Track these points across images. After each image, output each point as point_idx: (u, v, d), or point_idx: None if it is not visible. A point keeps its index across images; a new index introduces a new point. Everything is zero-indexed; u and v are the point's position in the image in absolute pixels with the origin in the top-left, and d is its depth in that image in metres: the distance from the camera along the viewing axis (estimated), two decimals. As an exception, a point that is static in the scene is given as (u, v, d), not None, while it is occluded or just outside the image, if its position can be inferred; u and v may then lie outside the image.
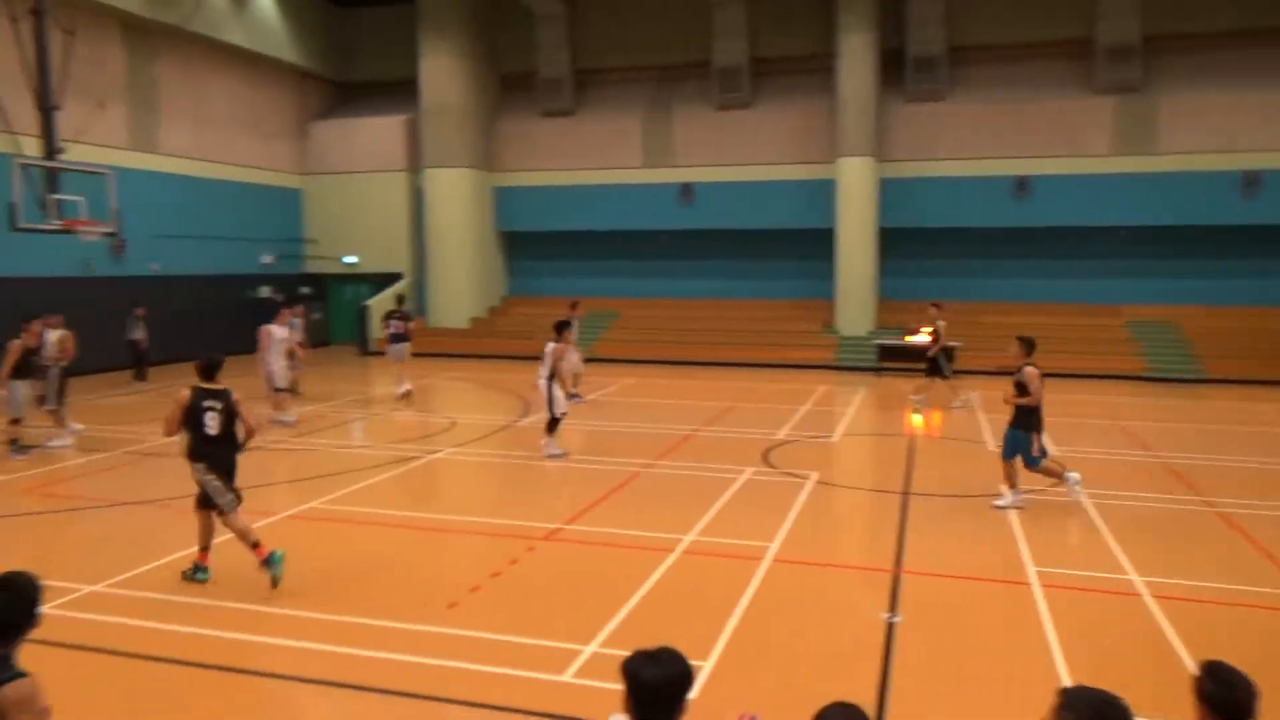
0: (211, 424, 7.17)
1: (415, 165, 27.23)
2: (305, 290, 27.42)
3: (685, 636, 5.76)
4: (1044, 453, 9.56)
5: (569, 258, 27.81)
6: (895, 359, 21.44)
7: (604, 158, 26.35)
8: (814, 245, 24.94)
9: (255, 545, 7.14)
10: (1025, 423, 9.48)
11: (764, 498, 10.11)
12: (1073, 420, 14.80)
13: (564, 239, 27.54)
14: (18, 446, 12.05)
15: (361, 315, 26.29)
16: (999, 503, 9.55)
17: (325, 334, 28.19)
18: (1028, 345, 9.62)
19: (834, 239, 23.87)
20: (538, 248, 28.14)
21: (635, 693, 2.71)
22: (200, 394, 7.20)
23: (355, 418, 15.75)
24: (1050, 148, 23.11)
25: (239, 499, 7.34)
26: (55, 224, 15.91)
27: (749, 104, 25.45)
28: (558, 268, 27.96)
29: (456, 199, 26.12)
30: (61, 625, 6.41)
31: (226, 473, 7.29)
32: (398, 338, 17.21)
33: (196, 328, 22.57)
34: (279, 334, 14.60)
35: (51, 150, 16.24)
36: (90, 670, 5.82)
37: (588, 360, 23.22)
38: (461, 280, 26.49)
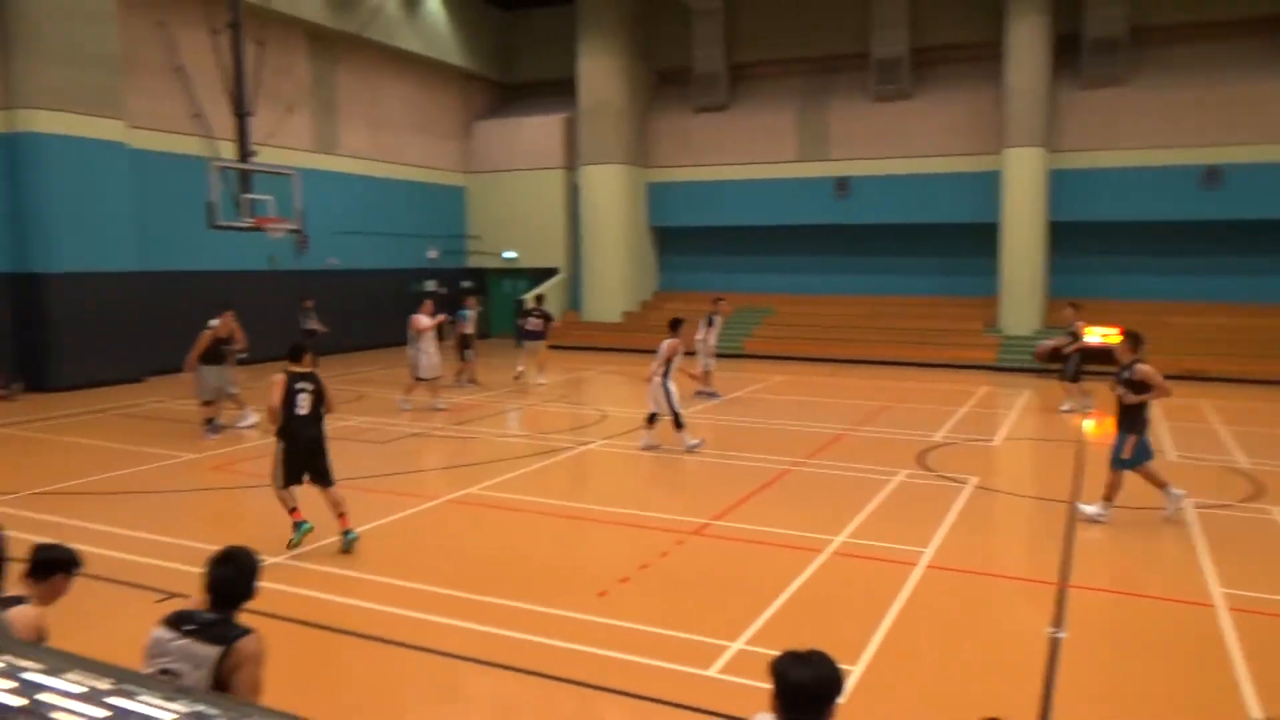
0: (303, 404, 7.86)
1: (572, 163, 27.88)
2: (466, 284, 28.60)
3: (834, 639, 5.65)
4: (1144, 456, 8.76)
5: (721, 253, 27.77)
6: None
7: (757, 152, 26.16)
8: (976, 240, 23.90)
9: (293, 510, 7.94)
10: (1129, 423, 8.76)
11: (919, 501, 9.79)
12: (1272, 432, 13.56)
13: (716, 234, 27.52)
14: (212, 426, 13.14)
15: (519, 309, 27.17)
16: (1088, 508, 8.99)
17: (485, 326, 29.30)
18: (1134, 341, 8.90)
19: (998, 234, 22.80)
20: (689, 243, 28.25)
21: (783, 693, 2.68)
22: (293, 377, 7.90)
23: (511, 408, 16.29)
24: (1243, 134, 21.22)
25: (312, 478, 7.97)
26: (247, 222, 17.22)
27: (909, 95, 24.65)
28: (709, 263, 27.97)
29: (611, 195, 26.58)
30: (247, 592, 6.94)
31: (309, 448, 7.92)
32: (534, 334, 17.99)
33: (369, 319, 23.95)
34: (424, 324, 15.32)
35: (244, 153, 17.58)
36: (266, 636, 6.27)
37: (739, 357, 23.17)
38: (614, 275, 26.93)
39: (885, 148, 24.74)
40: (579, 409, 16.06)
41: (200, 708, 0.65)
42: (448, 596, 6.86)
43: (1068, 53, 22.71)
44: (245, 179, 17.38)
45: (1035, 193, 22.37)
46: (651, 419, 12.28)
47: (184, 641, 3.28)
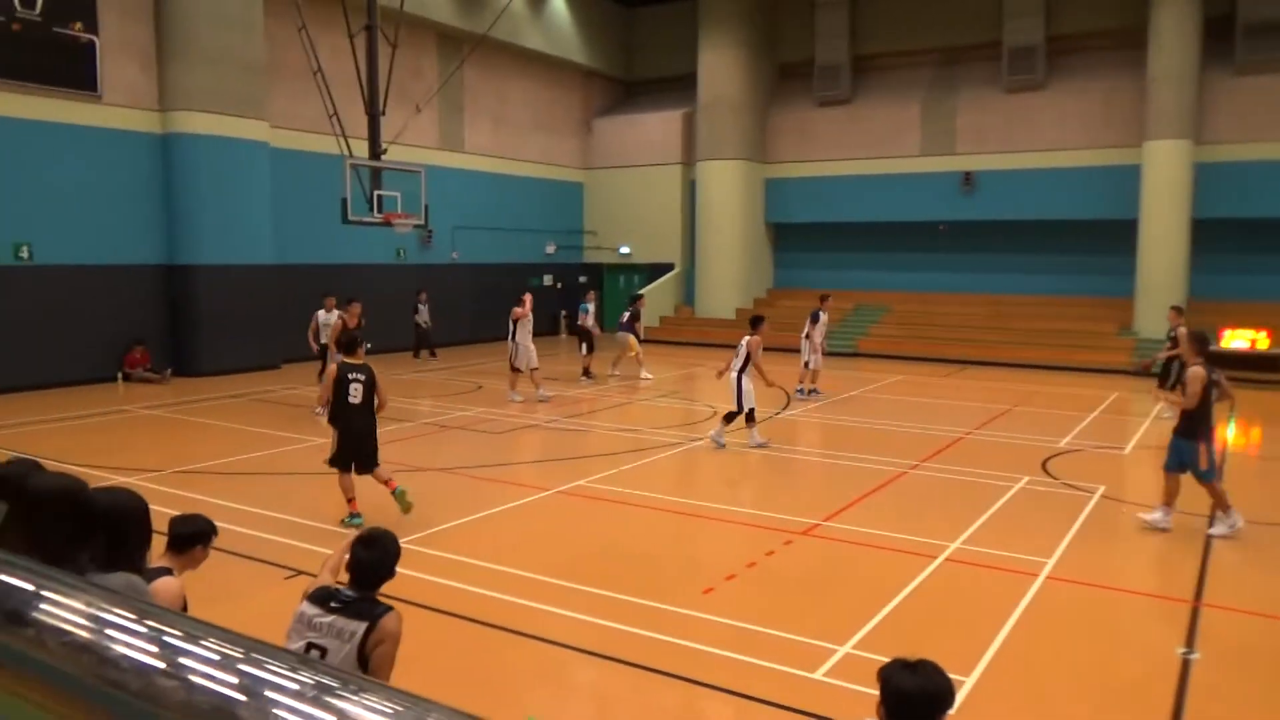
0: (355, 394, 8.25)
1: (690, 158, 27.91)
2: (582, 279, 29.03)
3: (945, 649, 5.52)
4: (1211, 470, 8.32)
5: (837, 249, 27.30)
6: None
7: (880, 146, 25.58)
8: (1110, 238, 22.75)
9: (350, 499, 8.39)
10: (1189, 430, 8.35)
11: (1041, 509, 9.42)
12: None
13: (834, 230, 27.06)
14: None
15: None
16: (1148, 517, 8.65)
17: (600, 321, 29.67)
18: (1198, 342, 8.49)
19: (1136, 231, 21.62)
20: (806, 239, 27.87)
21: (890, 701, 2.64)
22: (345, 368, 8.34)
23: (623, 402, 16.47)
24: None
25: (358, 465, 8.41)
26: (377, 217, 17.95)
27: (1041, 86, 23.63)
28: (826, 260, 27.53)
29: (728, 191, 26.49)
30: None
31: (360, 436, 8.33)
32: (628, 327, 18.56)
33: (489, 313, 24.59)
34: (517, 313, 15.78)
35: (375, 152, 18.31)
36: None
37: (853, 355, 22.74)
38: (729, 271, 26.83)
39: (1015, 141, 23.81)
40: (690, 404, 16.09)
41: (325, 679, 0.71)
42: (554, 585, 7.02)
43: (1218, 38, 21.31)
44: (376, 176, 18.11)
45: (1178, 187, 21.10)
46: (729, 417, 12.28)
47: (332, 618, 3.49)
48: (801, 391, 16.36)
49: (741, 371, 12.16)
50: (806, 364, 16.43)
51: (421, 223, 18.98)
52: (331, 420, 8.41)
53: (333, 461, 8.43)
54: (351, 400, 8.27)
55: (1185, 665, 5.75)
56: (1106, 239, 22.99)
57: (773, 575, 7.46)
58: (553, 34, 27.05)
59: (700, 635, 6.12)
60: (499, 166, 26.41)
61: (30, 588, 0.85)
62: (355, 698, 0.69)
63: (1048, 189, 23.27)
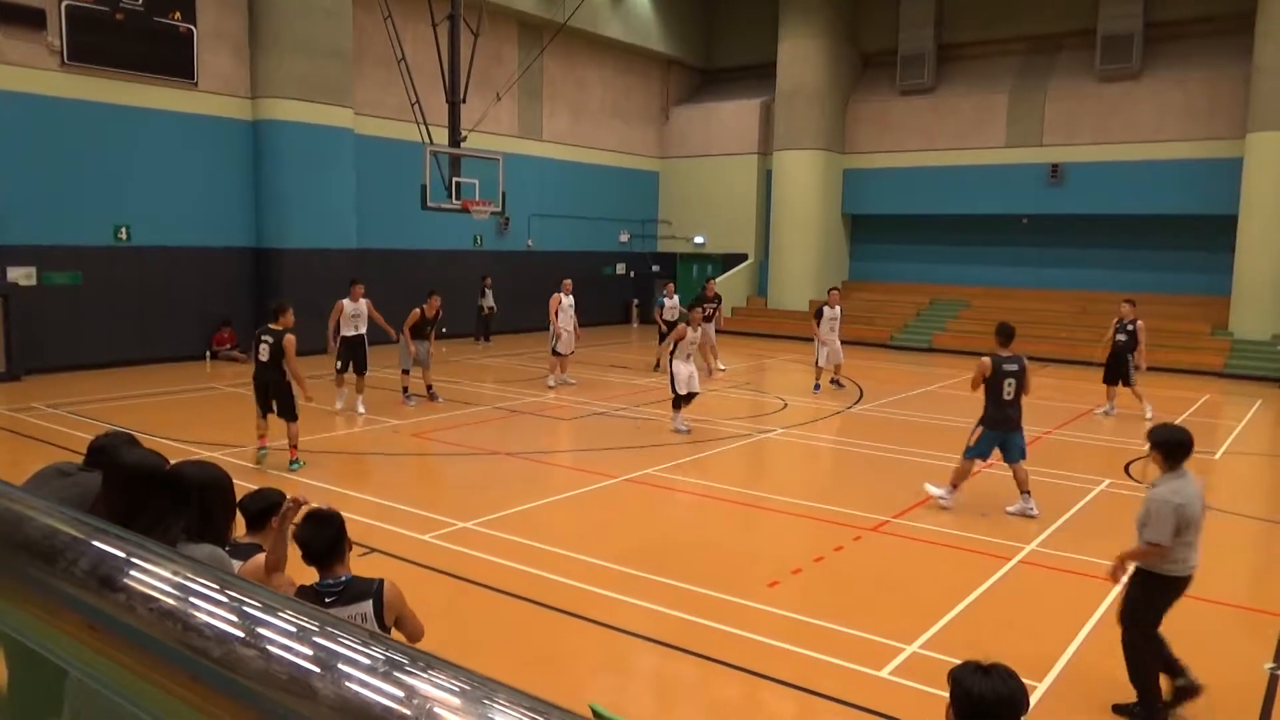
0: (263, 352, 9.65)
1: (767, 148, 27.64)
2: (655, 268, 29.05)
3: (1016, 653, 5.40)
4: (979, 453, 8.82)
5: (915, 242, 26.75)
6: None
7: (963, 137, 24.95)
8: (1208, 234, 21.82)
9: (261, 435, 10.09)
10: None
11: (1121, 514, 9.07)
12: None
13: (911, 223, 26.52)
14: (406, 395, 14.11)
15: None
16: (934, 491, 9.12)
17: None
18: (1000, 334, 9.17)
19: (1235, 227, 20.68)
20: (884, 232, 27.37)
21: (961, 705, 2.58)
22: (262, 330, 9.75)
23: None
24: None
25: (282, 414, 9.89)
26: (455, 204, 18.25)
27: (1136, 75, 22.73)
28: (903, 252, 27.02)
29: (805, 181, 26.16)
30: (437, 553, 7.44)
31: (266, 391, 9.82)
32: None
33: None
34: (566, 303, 15.85)
35: (455, 139, 18.61)
36: (455, 594, 6.70)
37: (928, 350, 22.28)
38: (802, 263, 26.52)
39: (1106, 132, 22.97)
40: (760, 396, 15.99)
41: (395, 655, 0.73)
42: (618, 572, 7.06)
43: (1331, 25, 20.18)
44: (455, 163, 18.41)
45: (1284, 182, 20.08)
46: (678, 403, 12.30)
47: (334, 610, 3.53)
48: (817, 387, 16.17)
49: (673, 355, 12.24)
50: (823, 361, 16.30)
51: (499, 210, 19.24)
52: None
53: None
54: (261, 359, 9.70)
55: (1273, 680, 5.51)
56: (1202, 235, 22.07)
57: (840, 571, 7.39)
58: (632, 22, 27.05)
59: (764, 628, 6.09)
60: (576, 155, 26.56)
61: (122, 555, 0.89)
62: (425, 674, 0.70)
63: (1141, 182, 22.40)
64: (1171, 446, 5.18)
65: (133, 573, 0.86)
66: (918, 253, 26.69)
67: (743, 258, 28.25)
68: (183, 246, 17.97)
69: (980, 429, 8.86)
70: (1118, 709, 5.05)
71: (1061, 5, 23.98)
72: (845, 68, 26.80)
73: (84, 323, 16.65)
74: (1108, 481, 10.24)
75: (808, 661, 5.63)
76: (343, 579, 3.56)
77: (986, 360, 8.89)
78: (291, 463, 9.94)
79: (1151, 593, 5.04)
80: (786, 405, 15.00)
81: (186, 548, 3.07)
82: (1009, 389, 8.80)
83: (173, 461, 3.38)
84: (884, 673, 5.49)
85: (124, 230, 17.11)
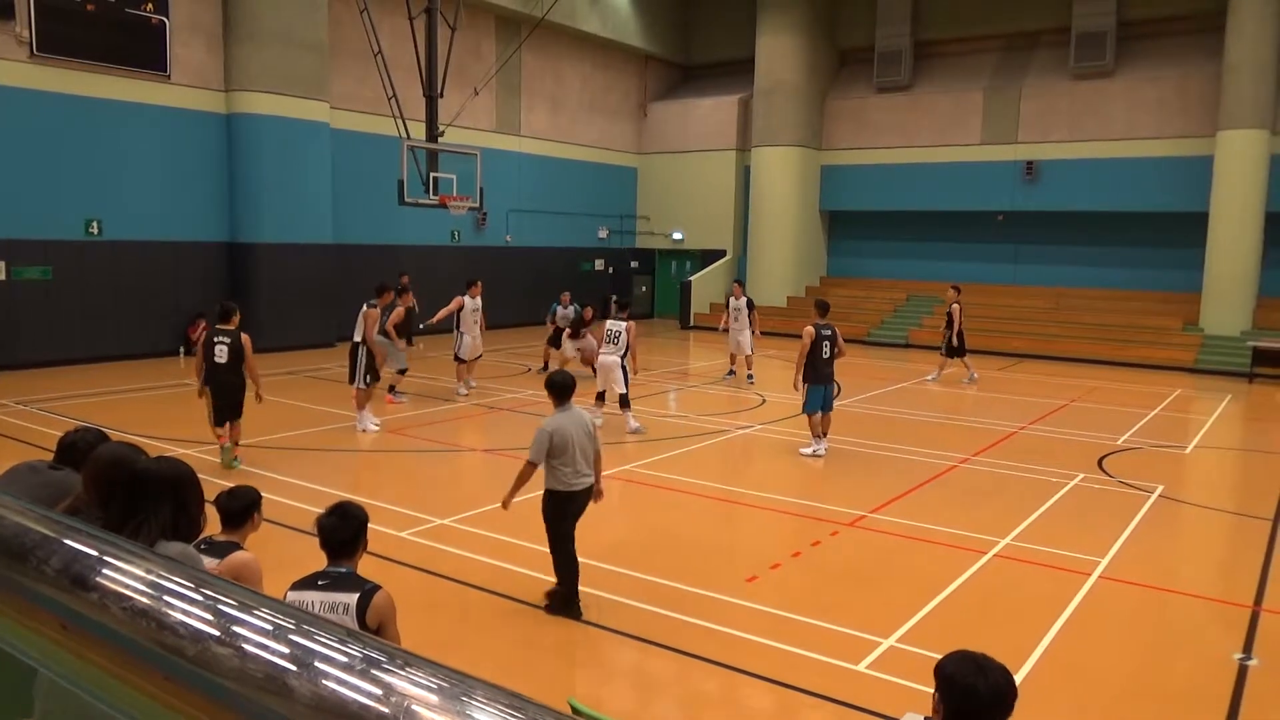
0: (220, 354, 9.50)
1: (745, 144, 27.69)
2: (634, 264, 29.03)
3: (993, 646, 5.44)
4: (815, 405, 10.91)
5: (892, 238, 26.90)
6: (1275, 364, 18.48)
7: (939, 134, 25.11)
8: (1179, 231, 22.09)
9: (219, 436, 9.75)
10: (807, 375, 10.94)
11: (1096, 508, 9.22)
12: None
13: (889, 219, 26.67)
14: (395, 391, 14.03)
15: (684, 291, 27.31)
16: (806, 450, 11.07)
17: (649, 307, 29.67)
18: (818, 307, 11.52)
19: (1206, 224, 20.95)
20: (861, 228, 27.50)
21: (950, 699, 2.52)
22: (214, 332, 9.65)
23: (672, 388, 16.47)
24: None
25: (228, 415, 9.73)
26: (432, 199, 18.15)
27: (1110, 73, 22.96)
28: (880, 249, 27.16)
29: (782, 177, 26.23)
30: (414, 550, 7.41)
31: (224, 393, 9.64)
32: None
33: (540, 296, 24.72)
34: (469, 305, 14.59)
35: (433, 134, 18.49)
36: (431, 590, 6.68)
37: (904, 346, 22.42)
38: (781, 259, 26.59)
39: (1080, 130, 23.19)
40: (739, 393, 16.04)
41: (372, 653, 0.73)
42: (597, 569, 7.06)
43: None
44: (432, 158, 18.29)
45: (1253, 179, 20.35)
46: (624, 401, 12.25)
47: (322, 594, 3.55)
48: (731, 373, 17.16)
49: (624, 356, 12.26)
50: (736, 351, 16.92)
51: (476, 205, 19.14)
52: (204, 379, 9.70)
53: (210, 418, 9.93)
54: (217, 360, 9.56)
55: (1242, 671, 5.60)
56: (1174, 232, 22.35)
57: (817, 565, 7.43)
58: (610, 17, 26.99)
59: (742, 623, 6.12)
60: (554, 150, 26.48)
61: (94, 553, 0.88)
62: (402, 671, 0.70)
63: (1114, 179, 22.64)
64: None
65: (105, 571, 0.85)
66: (894, 249, 26.85)
67: (721, 254, 28.30)
68: (156, 241, 17.75)
69: (806, 385, 10.88)
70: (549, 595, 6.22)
71: (1036, 3, 24.17)
72: (823, 64, 26.89)
73: (55, 318, 16.42)
74: (1081, 476, 10.36)
75: (786, 656, 5.65)
76: (344, 570, 3.64)
77: (810, 328, 10.89)
78: (233, 459, 9.82)
79: (556, 505, 6.35)
80: (765, 401, 15.05)
81: (160, 545, 3.03)
82: (826, 350, 10.89)
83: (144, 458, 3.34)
84: (861, 666, 5.52)
85: (95, 224, 16.88)
